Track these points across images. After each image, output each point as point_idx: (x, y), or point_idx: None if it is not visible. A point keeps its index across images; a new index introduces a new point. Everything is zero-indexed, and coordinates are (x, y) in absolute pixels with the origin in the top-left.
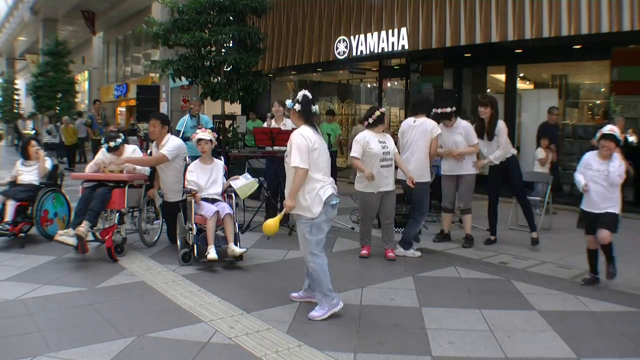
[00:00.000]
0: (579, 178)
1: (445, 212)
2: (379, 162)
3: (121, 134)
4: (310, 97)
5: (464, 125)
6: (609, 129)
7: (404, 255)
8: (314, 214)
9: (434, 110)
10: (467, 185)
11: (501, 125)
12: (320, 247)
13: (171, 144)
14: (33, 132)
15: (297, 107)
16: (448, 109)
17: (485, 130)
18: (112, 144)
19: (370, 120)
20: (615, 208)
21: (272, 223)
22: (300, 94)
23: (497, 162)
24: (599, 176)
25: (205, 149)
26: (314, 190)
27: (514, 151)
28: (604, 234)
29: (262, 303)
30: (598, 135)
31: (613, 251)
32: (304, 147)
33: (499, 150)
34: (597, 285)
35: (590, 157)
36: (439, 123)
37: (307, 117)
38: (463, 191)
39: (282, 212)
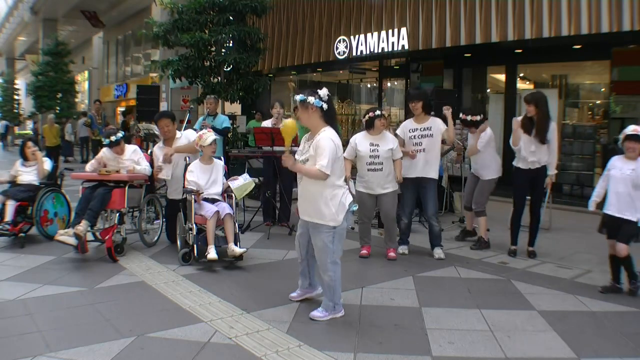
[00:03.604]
0: (593, 197)
1: (467, 211)
2: (366, 165)
3: (120, 131)
4: None
5: (487, 132)
6: (632, 129)
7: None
8: (338, 222)
9: (461, 115)
10: (483, 189)
11: (554, 129)
12: (340, 255)
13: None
14: (33, 132)
15: (325, 106)
16: (478, 117)
17: (534, 130)
18: (113, 138)
19: (363, 122)
20: (636, 216)
21: (293, 124)
22: (323, 92)
23: (555, 170)
24: (621, 176)
25: (214, 149)
26: (336, 197)
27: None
28: (619, 247)
29: (262, 303)
30: (621, 136)
31: (633, 266)
32: (334, 154)
33: (552, 157)
34: (620, 294)
35: (615, 159)
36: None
37: (333, 118)
38: (477, 194)
39: (287, 151)
